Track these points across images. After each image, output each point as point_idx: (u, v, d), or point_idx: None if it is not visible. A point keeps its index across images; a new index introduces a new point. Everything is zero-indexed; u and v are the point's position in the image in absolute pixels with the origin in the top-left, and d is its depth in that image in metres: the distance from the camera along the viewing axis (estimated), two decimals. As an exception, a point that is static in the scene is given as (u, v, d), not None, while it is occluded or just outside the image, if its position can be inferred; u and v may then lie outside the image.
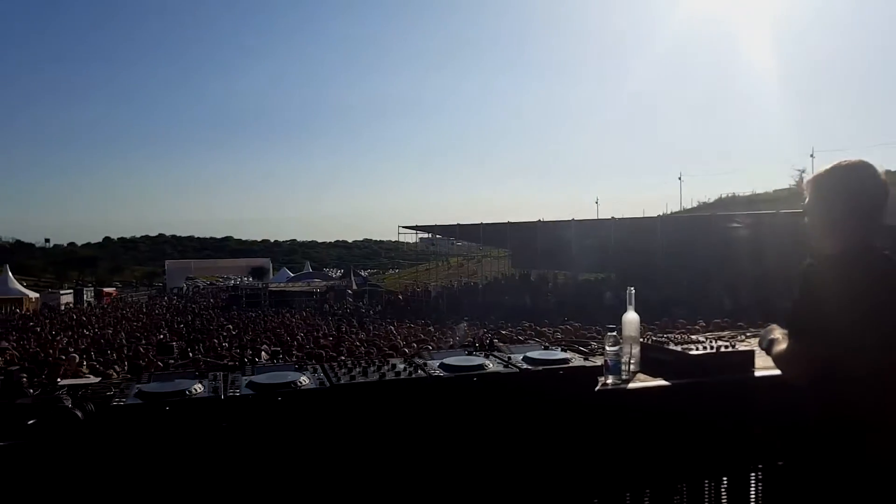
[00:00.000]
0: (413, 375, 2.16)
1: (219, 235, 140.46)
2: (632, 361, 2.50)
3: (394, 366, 2.24)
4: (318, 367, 2.28)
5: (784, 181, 50.30)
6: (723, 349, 2.52)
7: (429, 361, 2.32)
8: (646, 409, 2.34)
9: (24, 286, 46.90)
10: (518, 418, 2.19)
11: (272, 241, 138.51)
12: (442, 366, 2.25)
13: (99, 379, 2.99)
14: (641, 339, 2.62)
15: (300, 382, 2.03)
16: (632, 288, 2.54)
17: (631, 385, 2.38)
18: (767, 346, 2.13)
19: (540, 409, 2.21)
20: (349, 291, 41.31)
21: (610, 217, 29.44)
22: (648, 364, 2.55)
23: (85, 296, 48.21)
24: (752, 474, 2.46)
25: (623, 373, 2.40)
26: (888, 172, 2.06)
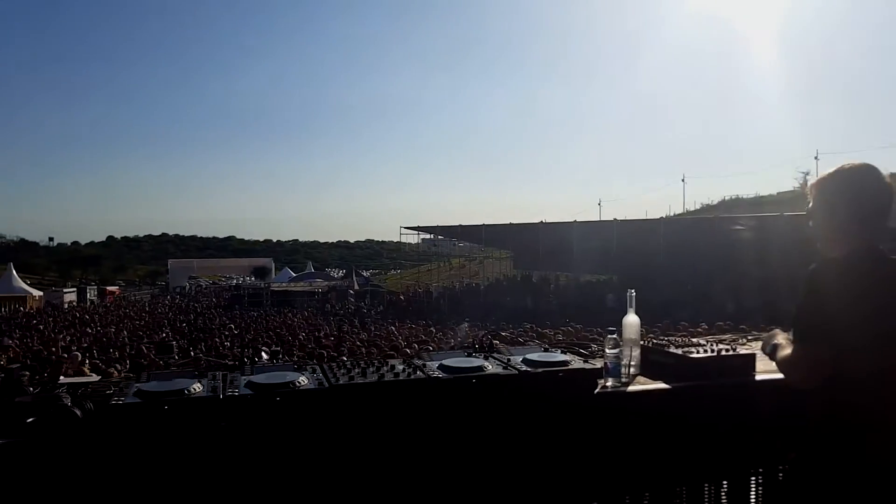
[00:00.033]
0: (412, 376, 2.16)
1: (221, 235, 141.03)
2: (632, 364, 2.50)
3: (393, 367, 2.24)
4: (317, 367, 2.27)
5: (788, 183, 50.21)
6: (724, 352, 2.51)
7: (428, 362, 2.32)
8: (645, 412, 2.33)
9: (28, 284, 47.03)
10: (517, 420, 2.19)
11: (274, 240, 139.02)
12: (441, 367, 2.24)
13: (99, 377, 3.00)
14: (642, 342, 2.62)
15: (299, 382, 2.03)
16: (632, 290, 2.53)
17: (630, 388, 2.38)
18: (771, 352, 2.13)
19: (539, 411, 2.20)
20: (351, 292, 41.35)
21: (612, 219, 29.39)
22: (649, 367, 2.55)
23: (88, 294, 48.34)
24: (752, 478, 2.46)
25: (623, 376, 2.40)
26: (892, 175, 2.05)
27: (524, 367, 2.26)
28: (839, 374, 1.87)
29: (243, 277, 61.41)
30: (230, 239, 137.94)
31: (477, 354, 2.49)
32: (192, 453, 1.89)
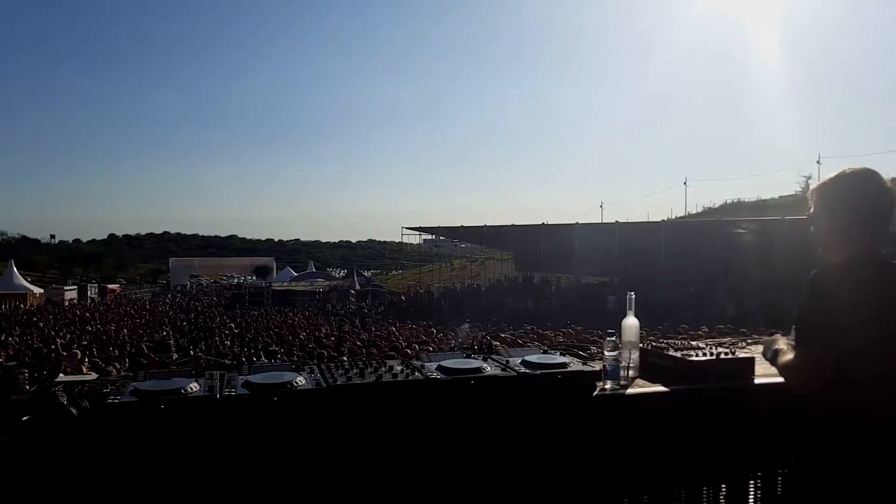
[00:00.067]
0: (410, 377, 2.15)
1: (223, 234, 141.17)
2: (631, 367, 2.49)
3: (391, 367, 2.23)
4: (314, 367, 2.27)
5: (790, 187, 50.14)
6: (723, 356, 2.51)
7: (426, 363, 2.31)
8: (644, 414, 2.32)
9: (29, 282, 47.09)
10: (515, 422, 2.18)
11: (276, 240, 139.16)
12: (439, 368, 2.24)
13: (96, 376, 2.99)
14: (641, 345, 2.61)
15: (296, 383, 2.02)
16: (631, 293, 2.52)
17: (629, 391, 2.37)
18: (772, 357, 2.12)
19: (537, 413, 2.19)
20: (352, 292, 41.40)
21: (614, 221, 29.39)
22: (648, 370, 2.54)
23: (89, 292, 48.41)
24: (751, 482, 2.45)
25: (621, 378, 2.39)
26: (893, 180, 2.05)
27: (523, 369, 2.25)
28: (840, 378, 1.87)
29: (244, 276, 61.48)
30: (232, 238, 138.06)
31: (476, 356, 2.49)
32: (189, 453, 1.88)
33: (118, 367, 10.13)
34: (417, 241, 43.93)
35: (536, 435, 2.19)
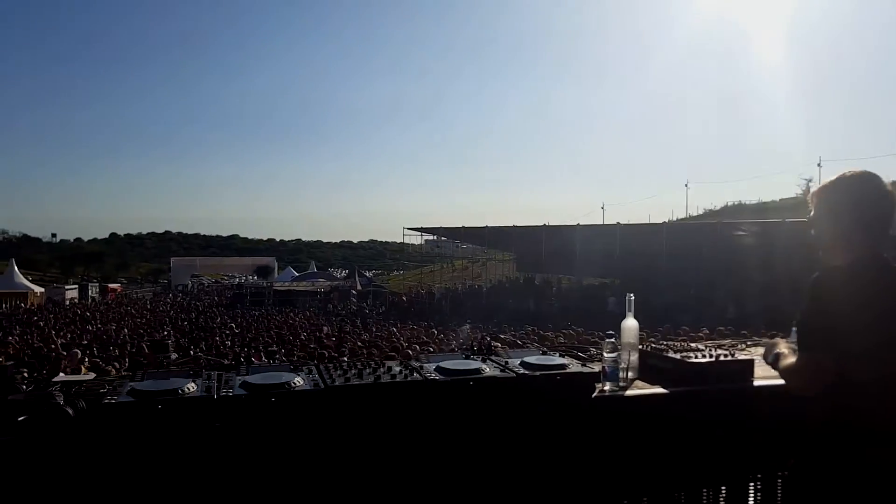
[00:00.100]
0: (409, 378, 2.15)
1: (225, 234, 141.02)
2: (630, 368, 2.48)
3: (389, 368, 2.22)
4: (313, 367, 2.26)
5: (791, 190, 50.09)
6: (722, 358, 2.50)
7: (425, 364, 2.31)
8: (643, 416, 2.31)
9: (30, 280, 47.08)
10: (514, 423, 2.17)
11: (277, 240, 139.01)
12: (438, 369, 2.23)
13: (94, 376, 2.99)
14: (641, 347, 2.60)
15: (294, 383, 2.02)
16: (631, 294, 2.51)
17: (628, 392, 2.36)
18: (773, 360, 2.12)
19: (536, 414, 2.19)
20: (353, 292, 41.37)
21: (616, 222, 29.35)
22: (647, 371, 2.53)
23: (90, 291, 48.40)
24: (751, 484, 2.44)
25: (621, 380, 2.38)
26: (894, 183, 2.04)
27: (522, 370, 2.25)
28: (842, 381, 1.87)
29: (246, 276, 61.55)
30: (233, 238, 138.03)
31: (475, 357, 2.48)
32: (186, 453, 1.88)
33: (118, 366, 10.13)
34: (419, 242, 43.93)
35: (535, 436, 2.19)
